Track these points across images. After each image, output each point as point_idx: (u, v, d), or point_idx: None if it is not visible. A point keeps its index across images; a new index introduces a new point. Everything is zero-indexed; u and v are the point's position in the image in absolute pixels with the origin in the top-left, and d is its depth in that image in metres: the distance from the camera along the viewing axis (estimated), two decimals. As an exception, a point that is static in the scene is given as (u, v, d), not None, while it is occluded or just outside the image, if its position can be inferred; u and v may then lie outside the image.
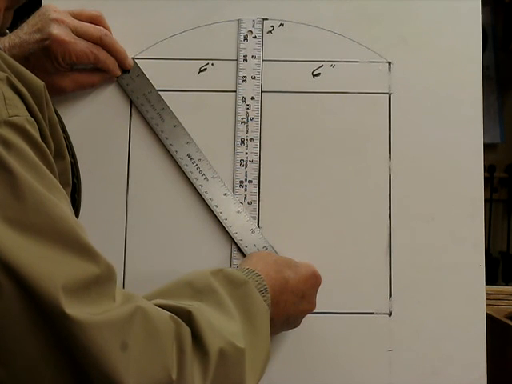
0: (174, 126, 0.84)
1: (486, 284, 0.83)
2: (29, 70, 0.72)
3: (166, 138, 0.83)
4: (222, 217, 0.82)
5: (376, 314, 0.82)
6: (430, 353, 0.82)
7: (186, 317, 0.57)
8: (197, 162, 0.83)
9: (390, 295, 0.82)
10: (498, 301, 1.12)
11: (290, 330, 0.79)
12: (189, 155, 0.83)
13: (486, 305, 0.82)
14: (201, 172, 0.83)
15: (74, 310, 0.48)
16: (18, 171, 0.50)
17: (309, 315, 0.79)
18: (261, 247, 0.81)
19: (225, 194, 0.82)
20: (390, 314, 0.82)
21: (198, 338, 0.56)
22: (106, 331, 0.50)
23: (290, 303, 0.74)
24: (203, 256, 0.82)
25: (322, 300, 0.81)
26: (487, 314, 0.83)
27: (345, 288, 0.82)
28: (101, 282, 0.52)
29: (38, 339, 0.48)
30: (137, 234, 0.83)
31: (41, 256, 0.49)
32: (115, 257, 0.82)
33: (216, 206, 0.82)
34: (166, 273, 0.80)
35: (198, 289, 0.64)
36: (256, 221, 0.83)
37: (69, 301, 0.48)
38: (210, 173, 0.83)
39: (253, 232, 0.81)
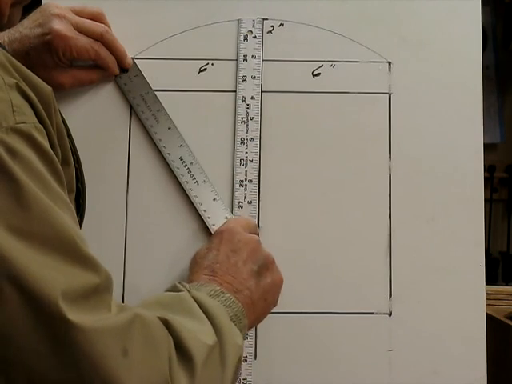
0: (169, 128, 0.84)
1: (486, 284, 0.83)
2: (29, 64, 0.71)
3: (160, 140, 0.83)
4: (210, 222, 0.82)
5: (376, 313, 0.82)
6: (429, 353, 0.82)
7: (165, 325, 0.57)
8: (188, 166, 0.83)
9: (390, 295, 0.82)
10: (498, 301, 1.12)
11: (290, 330, 0.79)
12: (181, 158, 0.83)
13: (486, 305, 0.82)
14: (192, 176, 0.82)
15: (75, 315, 0.49)
16: (22, 180, 0.50)
17: (309, 315, 0.79)
18: None
19: (214, 200, 0.82)
20: (390, 314, 0.82)
21: (180, 345, 0.57)
22: (107, 337, 0.50)
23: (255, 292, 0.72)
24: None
25: (322, 300, 0.81)
26: (487, 313, 0.83)
27: (345, 288, 0.82)
28: (100, 291, 0.52)
29: (40, 345, 0.48)
30: (137, 234, 0.83)
31: (43, 265, 0.49)
32: (115, 257, 0.82)
33: (205, 211, 0.82)
34: (166, 272, 0.81)
35: (165, 303, 0.63)
36: (256, 220, 0.82)
37: (69, 307, 0.49)
38: (201, 177, 0.83)
39: None
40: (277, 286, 0.76)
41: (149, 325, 0.55)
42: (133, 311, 0.54)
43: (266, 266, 0.74)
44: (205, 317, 0.62)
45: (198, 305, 0.63)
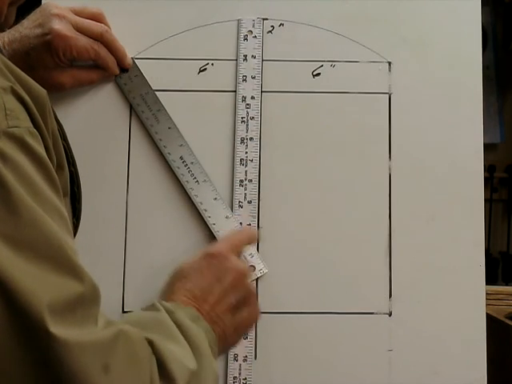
0: (169, 128, 0.84)
1: (486, 284, 0.83)
2: (29, 64, 0.70)
3: (160, 140, 0.83)
4: (210, 221, 0.82)
5: (376, 313, 0.82)
6: (429, 353, 0.82)
7: (150, 345, 0.56)
8: (189, 165, 0.83)
9: (390, 295, 0.82)
10: (498, 301, 1.12)
11: (290, 330, 0.79)
12: (181, 158, 0.83)
13: (486, 305, 0.82)
14: (192, 175, 0.82)
15: (59, 329, 0.48)
16: (13, 186, 0.49)
17: (309, 315, 0.79)
18: (247, 254, 0.81)
19: (215, 199, 0.82)
20: (390, 314, 0.82)
21: (163, 367, 0.56)
22: (89, 352, 0.49)
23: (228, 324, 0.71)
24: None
25: (322, 300, 0.81)
26: (487, 313, 0.83)
27: (345, 288, 0.82)
28: (86, 302, 0.51)
29: (21, 357, 0.47)
30: (137, 234, 0.83)
31: (30, 273, 0.48)
32: (115, 257, 0.82)
33: (205, 211, 0.82)
34: (166, 272, 0.80)
35: (143, 323, 0.61)
36: (256, 220, 0.83)
37: (54, 320, 0.48)
38: (202, 176, 0.83)
39: None
40: (252, 320, 0.74)
41: (133, 342, 0.54)
42: (118, 327, 0.53)
43: (245, 299, 0.72)
44: (184, 340, 0.61)
45: (178, 327, 0.62)
